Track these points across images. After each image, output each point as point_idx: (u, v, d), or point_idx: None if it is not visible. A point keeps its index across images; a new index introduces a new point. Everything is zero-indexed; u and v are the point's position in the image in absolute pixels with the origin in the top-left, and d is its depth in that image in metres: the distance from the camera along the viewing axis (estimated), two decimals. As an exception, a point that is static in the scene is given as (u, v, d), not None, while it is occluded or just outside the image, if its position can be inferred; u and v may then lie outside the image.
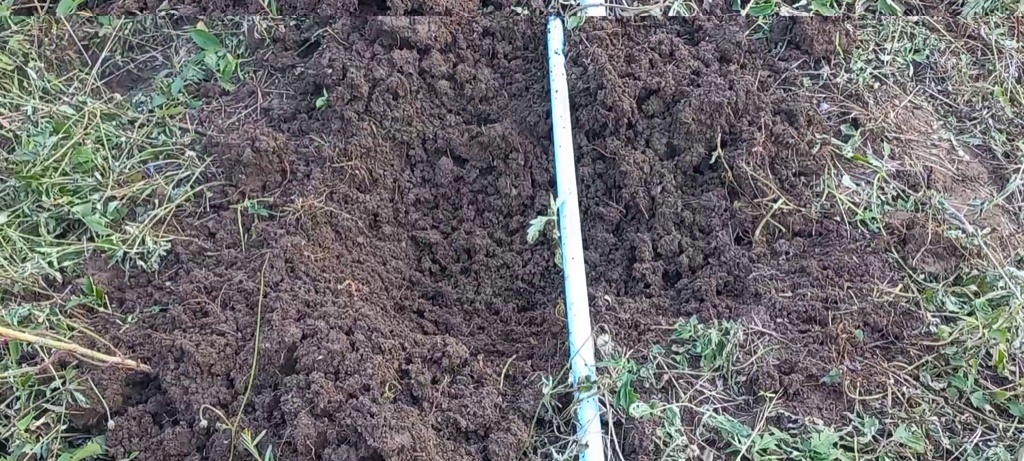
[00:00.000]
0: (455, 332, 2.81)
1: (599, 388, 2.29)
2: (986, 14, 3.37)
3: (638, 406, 2.26)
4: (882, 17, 3.37)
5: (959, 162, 3.01)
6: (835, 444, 2.20)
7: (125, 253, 2.78)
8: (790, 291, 2.61)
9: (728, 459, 2.21)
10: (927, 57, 3.29)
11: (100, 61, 3.51)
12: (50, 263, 2.74)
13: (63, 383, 2.37)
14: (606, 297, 2.67)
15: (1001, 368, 2.38)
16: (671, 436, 2.22)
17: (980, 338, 2.38)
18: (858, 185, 2.87)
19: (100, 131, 3.13)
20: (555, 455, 2.24)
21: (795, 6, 3.24)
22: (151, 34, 3.64)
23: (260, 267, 2.67)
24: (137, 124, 3.23)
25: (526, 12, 3.30)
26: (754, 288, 2.64)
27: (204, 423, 2.30)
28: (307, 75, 3.27)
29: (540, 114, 3.16)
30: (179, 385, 2.38)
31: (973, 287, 2.56)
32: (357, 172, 3.05)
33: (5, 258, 2.74)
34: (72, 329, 2.53)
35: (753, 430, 2.24)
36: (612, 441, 2.25)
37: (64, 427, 2.37)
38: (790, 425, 2.27)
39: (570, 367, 2.36)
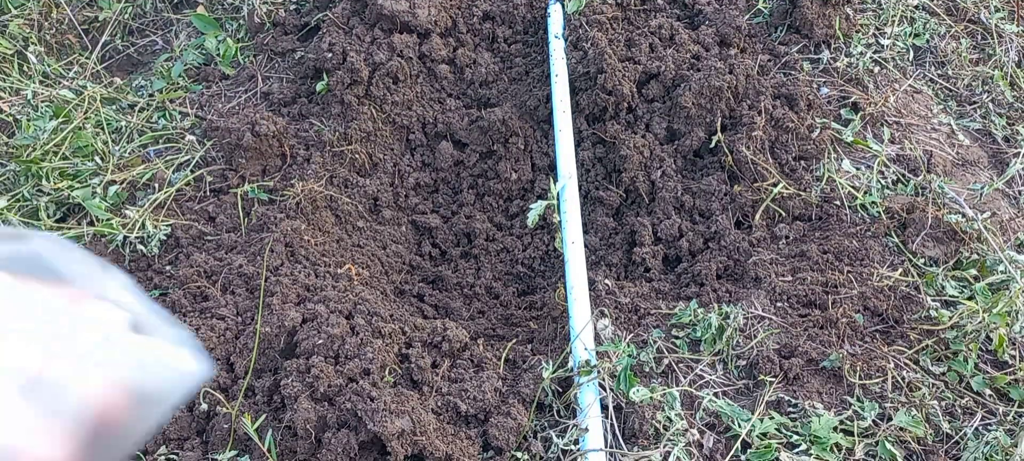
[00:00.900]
0: (455, 316, 2.81)
1: (599, 372, 2.29)
2: (987, -2, 3.37)
3: (638, 390, 2.27)
4: (882, 1, 3.36)
5: (959, 146, 3.01)
6: (835, 428, 2.20)
7: (125, 237, 2.79)
8: (790, 275, 2.61)
9: (728, 443, 2.21)
10: (927, 41, 3.29)
11: (100, 45, 3.51)
12: (50, 247, 2.74)
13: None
14: (606, 281, 2.67)
15: (1001, 352, 2.39)
16: (671, 420, 2.22)
17: (980, 322, 2.38)
18: (858, 169, 2.87)
19: (100, 115, 3.13)
20: (555, 439, 2.24)
21: (796, -10, 3.24)
22: (151, 18, 3.64)
23: (260, 251, 2.68)
24: (137, 108, 3.23)
25: (526, -4, 3.30)
26: (754, 272, 2.64)
27: (204, 407, 2.30)
28: (307, 59, 3.27)
29: (540, 98, 3.16)
30: (180, 369, 2.38)
31: (973, 271, 2.56)
32: (357, 156, 3.05)
33: (5, 242, 2.74)
34: (73, 313, 2.53)
35: (753, 414, 2.24)
36: (612, 425, 2.25)
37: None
38: (790, 409, 2.27)
39: (570, 351, 2.36)
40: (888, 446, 2.16)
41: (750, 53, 3.18)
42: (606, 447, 2.19)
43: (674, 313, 2.53)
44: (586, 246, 2.81)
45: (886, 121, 3.00)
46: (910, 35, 3.29)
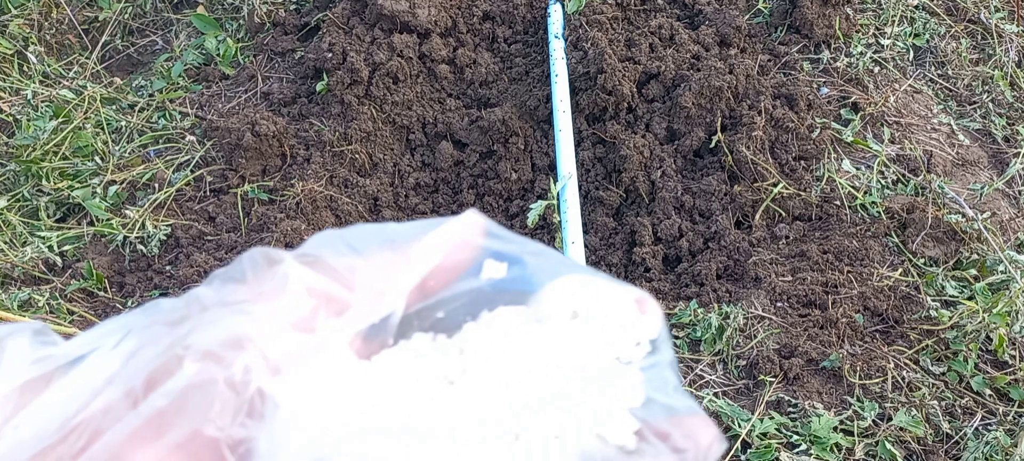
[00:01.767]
0: (455, 316, 2.81)
1: (599, 372, 2.29)
2: (987, -2, 3.37)
3: (638, 390, 2.26)
4: (882, 1, 3.36)
5: (959, 146, 3.01)
6: (835, 428, 2.20)
7: (125, 237, 2.79)
8: (790, 275, 2.61)
9: (728, 443, 2.21)
10: (927, 41, 3.29)
11: (100, 45, 3.50)
12: (50, 247, 2.74)
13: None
14: (606, 281, 2.67)
15: (1001, 352, 2.39)
16: (671, 420, 2.22)
17: (980, 322, 2.38)
18: (858, 169, 2.87)
19: (100, 115, 3.13)
20: (555, 439, 2.24)
21: (796, -10, 3.24)
22: (151, 18, 3.63)
23: (260, 251, 2.67)
24: (137, 108, 3.23)
25: (526, -4, 3.30)
26: (754, 272, 2.65)
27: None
28: (307, 59, 3.27)
29: (540, 98, 3.16)
30: (180, 369, 2.38)
31: (973, 271, 2.56)
32: (357, 156, 3.05)
33: (5, 242, 2.74)
34: (72, 313, 2.53)
35: (753, 414, 2.24)
36: (612, 425, 2.25)
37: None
38: (790, 409, 2.28)
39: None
40: (888, 446, 2.17)
41: (750, 53, 3.18)
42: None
43: (674, 313, 2.53)
44: (586, 246, 2.81)
45: (886, 121, 3.00)
46: (910, 35, 3.29)
